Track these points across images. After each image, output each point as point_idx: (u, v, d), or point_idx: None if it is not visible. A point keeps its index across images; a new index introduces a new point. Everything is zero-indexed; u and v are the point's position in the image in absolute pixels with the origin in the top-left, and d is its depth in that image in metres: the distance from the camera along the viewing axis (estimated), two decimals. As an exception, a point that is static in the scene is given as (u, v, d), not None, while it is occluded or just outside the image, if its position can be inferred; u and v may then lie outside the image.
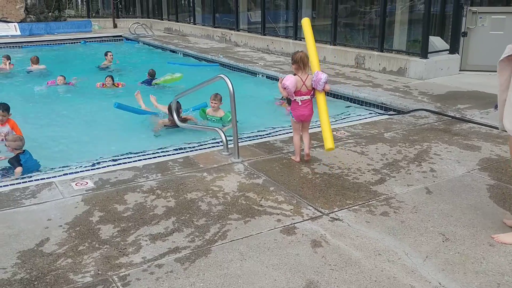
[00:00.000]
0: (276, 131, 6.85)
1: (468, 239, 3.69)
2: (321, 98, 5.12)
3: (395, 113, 7.58)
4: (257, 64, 11.97)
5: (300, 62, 5.05)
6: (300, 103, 5.16)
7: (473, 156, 5.42)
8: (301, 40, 12.50)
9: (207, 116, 7.62)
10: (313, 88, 5.13)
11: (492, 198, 4.36)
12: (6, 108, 6.65)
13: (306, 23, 5.30)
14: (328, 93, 8.94)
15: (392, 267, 3.33)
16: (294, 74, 5.13)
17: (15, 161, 5.71)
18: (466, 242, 3.64)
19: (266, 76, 11.11)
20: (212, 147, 6.05)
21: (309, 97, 5.16)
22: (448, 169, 5.05)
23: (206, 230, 3.82)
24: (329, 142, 4.96)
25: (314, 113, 5.30)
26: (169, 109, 7.20)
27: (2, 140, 6.39)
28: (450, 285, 3.13)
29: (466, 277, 3.22)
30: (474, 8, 10.17)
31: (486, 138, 6.01)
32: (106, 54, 13.31)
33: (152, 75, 11.04)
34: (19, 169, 5.63)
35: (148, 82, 10.92)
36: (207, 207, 4.21)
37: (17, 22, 19.80)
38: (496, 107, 7.44)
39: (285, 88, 5.06)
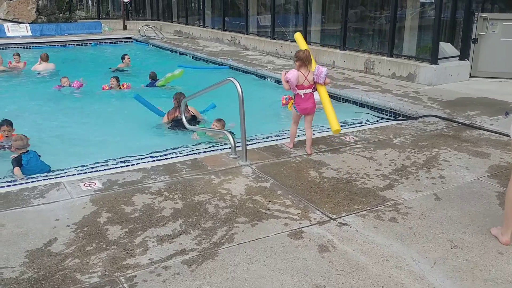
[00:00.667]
0: (284, 135, 6.83)
1: (476, 246, 3.66)
2: (322, 90, 5.71)
3: (404, 118, 7.55)
4: (266, 68, 11.99)
5: (305, 59, 5.55)
6: (302, 96, 5.62)
7: (482, 163, 5.38)
8: (310, 44, 12.50)
9: (206, 136, 7.32)
10: (314, 83, 5.66)
11: (501, 205, 4.31)
12: (10, 123, 6.77)
13: (298, 37, 6.05)
14: (337, 98, 9.06)
15: (399, 273, 3.31)
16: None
17: (15, 161, 5.74)
18: (475, 249, 3.61)
19: (275, 80, 11.12)
20: (220, 149, 6.06)
21: (310, 90, 5.65)
22: (457, 175, 5.02)
23: (213, 232, 3.82)
24: (334, 125, 5.62)
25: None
26: (177, 99, 7.38)
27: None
28: (458, 293, 3.11)
29: (474, 284, 3.20)
30: (485, 15, 10.12)
31: (496, 145, 5.96)
32: (123, 58, 13.32)
33: (153, 77, 11.12)
34: (16, 170, 5.64)
35: (152, 84, 10.97)
36: (215, 210, 4.21)
37: (28, 23, 19.97)
38: (506, 114, 7.43)
39: (287, 81, 5.55)
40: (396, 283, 3.20)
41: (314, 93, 5.72)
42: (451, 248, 3.62)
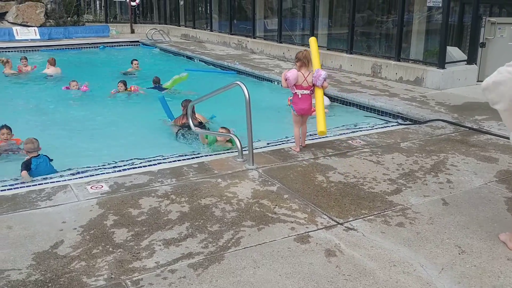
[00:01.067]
0: (291, 138, 6.82)
1: (485, 252, 3.63)
2: (319, 93, 5.80)
3: (411, 123, 7.52)
4: (273, 72, 11.99)
5: (304, 59, 5.67)
6: (300, 96, 5.75)
7: (490, 168, 5.34)
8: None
9: (215, 145, 7.13)
10: (313, 85, 5.74)
11: (510, 211, 4.28)
12: (8, 127, 6.87)
13: (313, 42, 6.12)
14: (344, 102, 9.05)
15: (407, 279, 3.28)
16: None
17: (24, 164, 5.75)
18: (483, 255, 3.58)
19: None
20: (227, 153, 6.06)
21: (308, 92, 5.76)
22: (465, 180, 4.99)
23: (219, 236, 3.81)
24: (321, 126, 5.68)
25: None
26: (185, 106, 7.38)
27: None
28: (467, 299, 3.08)
29: (482, 291, 3.17)
30: (493, 19, 10.07)
31: (504, 150, 5.92)
32: (132, 62, 13.53)
33: (157, 81, 11.17)
34: (23, 173, 5.64)
35: (157, 89, 11.00)
36: (221, 213, 4.20)
37: (37, 27, 20.13)
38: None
39: (286, 80, 5.68)
40: (404, 288, 3.18)
41: (312, 96, 5.84)
42: (459, 254, 3.59)
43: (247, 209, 4.29)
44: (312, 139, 6.52)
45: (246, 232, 3.88)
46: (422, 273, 3.35)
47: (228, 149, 6.70)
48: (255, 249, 3.64)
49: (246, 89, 5.32)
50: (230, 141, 6.91)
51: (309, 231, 3.91)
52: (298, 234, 3.86)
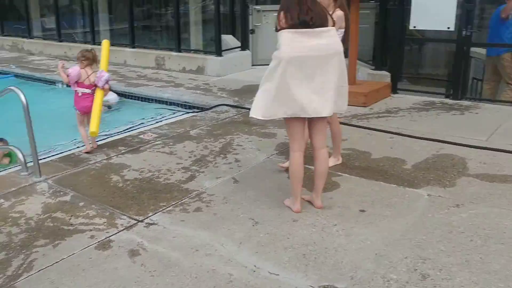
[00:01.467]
0: (80, 142, 6.48)
1: (275, 219, 3.98)
2: (99, 94, 5.79)
3: (198, 110, 7.83)
4: (55, 73, 11.15)
5: (93, 59, 5.73)
6: (80, 95, 5.73)
7: (270, 142, 5.89)
8: (100, 44, 12.05)
9: None
10: (95, 85, 5.72)
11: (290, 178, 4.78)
12: None
13: (106, 45, 6.13)
14: (132, 96, 8.95)
15: (210, 260, 3.43)
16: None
17: None
18: (274, 222, 3.93)
19: (67, 85, 10.42)
20: (8, 169, 5.47)
21: (90, 91, 5.74)
22: (250, 157, 5.41)
23: (7, 265, 3.43)
24: (93, 126, 5.65)
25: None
26: None
27: None
28: (264, 265, 3.35)
29: (277, 254, 3.47)
30: (258, 7, 11.01)
31: (280, 125, 6.51)
32: None
33: None
34: None
35: None
36: (7, 238, 3.79)
37: None
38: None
39: (68, 76, 5.64)
40: (208, 270, 3.31)
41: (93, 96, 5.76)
42: (253, 226, 3.89)
43: (38, 227, 3.95)
44: (103, 138, 6.33)
45: (40, 253, 3.58)
46: (222, 251, 3.54)
47: (4, 167, 6.00)
48: (51, 269, 3.38)
49: (23, 94, 4.91)
50: (9, 155, 6.24)
51: (109, 236, 3.80)
52: (98, 241, 3.72)
